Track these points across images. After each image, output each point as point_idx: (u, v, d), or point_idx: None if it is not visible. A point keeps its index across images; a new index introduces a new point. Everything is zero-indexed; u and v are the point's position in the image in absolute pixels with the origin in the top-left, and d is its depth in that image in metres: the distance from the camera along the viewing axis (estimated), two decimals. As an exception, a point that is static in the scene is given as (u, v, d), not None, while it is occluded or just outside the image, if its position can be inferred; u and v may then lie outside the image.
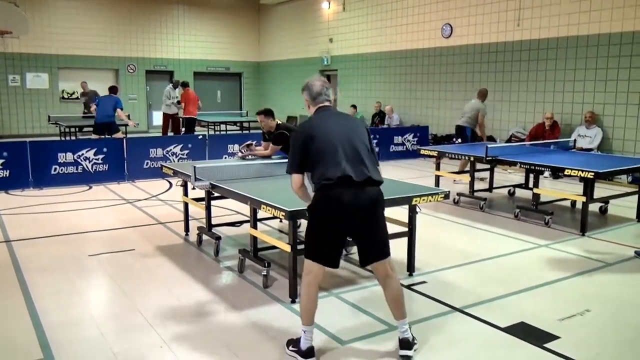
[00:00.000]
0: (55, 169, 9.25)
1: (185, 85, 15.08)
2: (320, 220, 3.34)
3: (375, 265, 3.46)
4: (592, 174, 6.15)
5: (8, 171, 8.87)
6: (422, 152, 8.76)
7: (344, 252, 5.61)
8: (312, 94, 3.50)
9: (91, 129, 13.71)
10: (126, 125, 13.15)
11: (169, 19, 19.79)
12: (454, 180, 9.50)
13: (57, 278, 4.91)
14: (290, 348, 3.49)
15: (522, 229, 6.73)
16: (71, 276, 4.97)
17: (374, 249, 3.41)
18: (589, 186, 6.55)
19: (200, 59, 20.53)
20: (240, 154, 6.78)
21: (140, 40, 19.31)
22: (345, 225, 3.32)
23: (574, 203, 7.92)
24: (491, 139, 11.70)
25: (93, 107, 13.95)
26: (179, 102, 15.13)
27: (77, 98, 17.86)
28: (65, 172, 9.33)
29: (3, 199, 8.31)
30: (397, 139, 13.40)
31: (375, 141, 12.85)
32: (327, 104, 3.53)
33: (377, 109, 15.41)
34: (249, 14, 21.42)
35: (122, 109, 12.01)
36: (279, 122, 6.48)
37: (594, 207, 7.44)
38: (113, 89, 12.24)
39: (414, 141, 13.56)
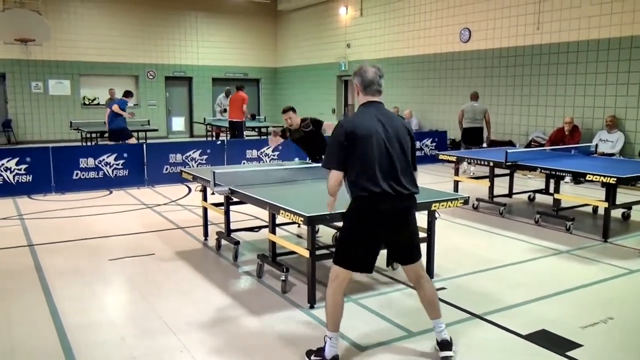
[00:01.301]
0: (77, 174, 9.39)
1: (239, 88, 14.36)
2: (358, 227, 3.32)
3: (408, 267, 3.51)
4: (615, 179, 6.06)
5: (31, 176, 9.02)
6: (440, 157, 8.72)
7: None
8: (364, 81, 3.36)
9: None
10: (129, 117, 12.58)
11: (187, 26, 19.99)
12: (464, 171, 9.60)
13: (78, 282, 4.97)
14: (313, 357, 3.43)
15: (543, 234, 6.65)
16: (92, 280, 5.03)
17: (409, 253, 3.47)
18: (611, 192, 6.45)
19: (219, 65, 20.68)
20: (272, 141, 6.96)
21: (159, 46, 19.53)
22: (382, 232, 3.34)
23: (595, 209, 7.81)
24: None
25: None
26: (225, 110, 15.41)
27: (99, 104, 18.10)
28: (87, 177, 9.46)
29: (26, 203, 8.45)
30: (415, 144, 13.31)
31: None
32: (377, 97, 3.40)
33: (395, 113, 15.35)
34: (266, 20, 21.54)
35: (121, 108, 11.92)
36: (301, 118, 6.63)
37: (616, 213, 7.32)
38: (125, 94, 12.30)
39: (432, 146, 13.49)
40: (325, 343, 3.41)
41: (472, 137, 11.05)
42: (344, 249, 3.38)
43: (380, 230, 3.31)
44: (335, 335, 3.40)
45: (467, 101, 11.82)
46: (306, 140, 6.63)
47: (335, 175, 3.29)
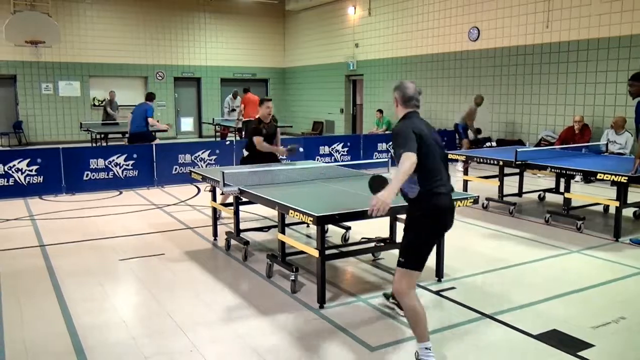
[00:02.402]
0: (87, 174, 9.44)
1: (246, 90, 14.81)
2: (431, 225, 3.39)
3: None
4: (626, 178, 6.01)
5: (42, 177, 9.09)
6: (449, 156, 8.68)
7: (372, 258, 5.60)
8: (404, 96, 3.53)
9: (119, 136, 14.03)
10: (164, 130, 12.72)
11: (195, 27, 20.05)
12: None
13: (89, 282, 5.01)
14: None
15: (553, 234, 6.61)
16: (102, 280, 5.06)
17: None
18: (622, 190, 6.40)
19: (227, 65, 20.73)
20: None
21: (168, 47, 19.60)
22: (444, 229, 3.54)
23: (606, 208, 7.75)
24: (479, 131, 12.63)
25: (117, 116, 14.46)
26: (233, 110, 15.60)
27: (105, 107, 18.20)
28: (97, 177, 9.52)
29: (37, 204, 8.51)
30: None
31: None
32: (416, 109, 3.56)
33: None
34: (275, 20, 21.56)
35: (151, 117, 11.79)
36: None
37: (627, 212, 7.26)
38: (148, 96, 12.09)
39: (441, 145, 13.44)
40: (422, 357, 3.30)
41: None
42: (419, 250, 3.37)
43: (444, 227, 3.49)
44: (430, 344, 3.32)
45: (483, 101, 11.97)
46: (270, 137, 7.15)
47: (411, 155, 3.19)
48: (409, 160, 3.17)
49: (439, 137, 3.57)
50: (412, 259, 3.35)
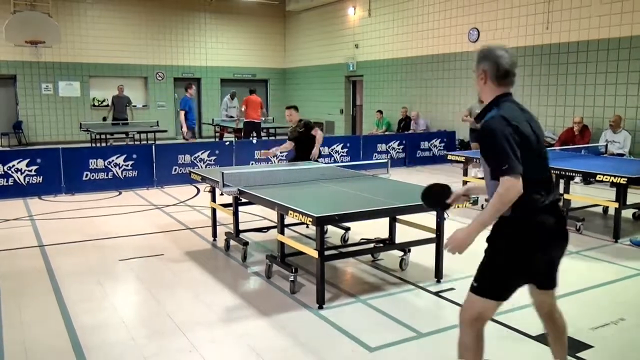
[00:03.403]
0: (87, 175, 9.44)
1: (252, 92, 14.89)
2: (526, 246, 2.57)
3: (545, 293, 2.87)
4: (625, 179, 6.02)
5: (41, 177, 9.09)
6: (449, 157, 8.69)
7: (371, 259, 5.60)
8: (499, 69, 2.60)
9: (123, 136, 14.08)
10: (185, 133, 11.84)
11: (195, 27, 20.06)
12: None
13: (88, 282, 5.00)
14: None
15: (553, 235, 6.60)
16: (102, 280, 5.06)
17: (554, 274, 2.80)
18: (621, 192, 6.40)
19: (227, 66, 20.74)
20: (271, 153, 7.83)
21: (168, 48, 19.61)
22: (548, 250, 2.65)
23: (605, 209, 7.75)
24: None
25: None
26: (231, 114, 15.86)
27: (107, 105, 18.16)
28: (96, 178, 9.52)
29: (36, 204, 8.51)
30: (424, 144, 13.32)
31: (401, 147, 13.03)
32: (511, 89, 2.67)
33: (403, 114, 15.35)
34: (275, 20, 21.57)
35: (183, 110, 11.49)
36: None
37: (626, 213, 7.26)
38: (185, 86, 11.80)
39: (440, 146, 13.46)
40: None
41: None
42: (502, 276, 2.62)
43: (547, 247, 2.64)
44: None
45: (475, 100, 11.83)
46: (298, 141, 7.29)
47: (517, 181, 2.43)
48: (515, 188, 2.42)
49: (539, 125, 2.68)
50: (489, 284, 2.63)
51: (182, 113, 11.51)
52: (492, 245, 2.67)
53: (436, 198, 2.88)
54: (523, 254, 2.57)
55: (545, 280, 2.74)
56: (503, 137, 2.45)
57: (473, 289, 2.66)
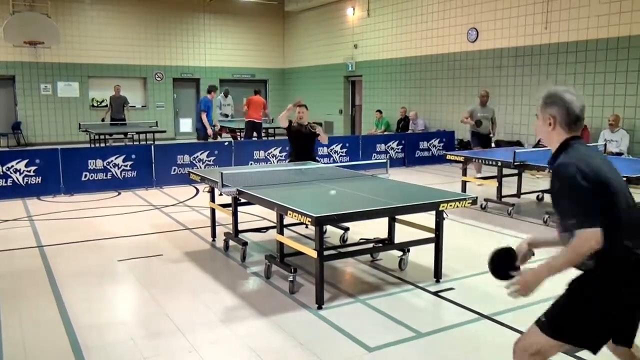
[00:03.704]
0: (86, 175, 9.44)
1: (256, 92, 15.01)
2: (612, 296, 2.33)
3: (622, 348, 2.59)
4: (625, 178, 6.01)
5: (40, 177, 9.08)
6: (448, 157, 8.70)
7: (370, 259, 5.60)
8: (569, 115, 2.44)
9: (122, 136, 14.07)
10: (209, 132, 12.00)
11: (195, 27, 20.06)
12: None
13: (87, 283, 5.00)
14: None
15: (551, 235, 6.60)
16: (101, 281, 5.06)
17: (633, 335, 2.48)
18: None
19: (226, 66, 20.74)
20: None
21: (167, 48, 19.61)
22: (631, 313, 2.40)
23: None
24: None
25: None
26: (225, 114, 15.94)
27: (106, 106, 18.11)
28: (95, 178, 9.51)
29: (35, 204, 8.50)
30: (423, 144, 13.32)
31: (400, 147, 13.02)
32: (579, 132, 2.51)
33: (402, 114, 15.37)
34: (274, 21, 21.57)
35: (203, 111, 11.62)
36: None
37: (626, 212, 7.26)
38: (209, 89, 12.02)
39: (439, 146, 13.46)
40: None
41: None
42: (577, 319, 2.40)
43: (633, 308, 2.38)
44: None
45: (476, 102, 11.75)
46: (305, 139, 7.17)
47: (594, 234, 2.23)
48: (590, 241, 2.23)
49: (612, 165, 2.48)
50: (561, 325, 2.43)
51: (204, 115, 11.67)
52: (573, 290, 2.50)
53: (502, 266, 2.67)
54: (603, 313, 2.35)
55: (621, 337, 2.48)
56: (581, 190, 2.27)
57: (539, 324, 2.49)
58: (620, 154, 9.93)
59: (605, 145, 9.56)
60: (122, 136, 14.41)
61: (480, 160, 8.35)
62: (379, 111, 15.96)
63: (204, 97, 11.94)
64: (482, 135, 10.40)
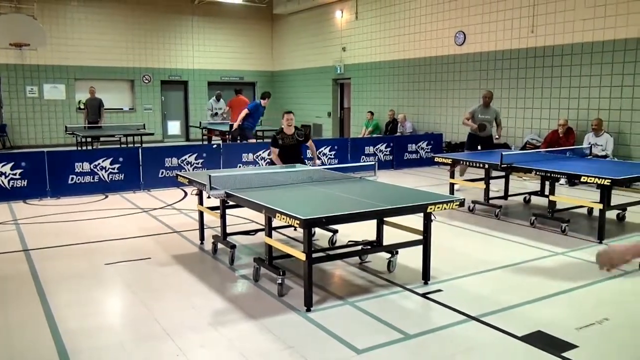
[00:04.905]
0: (72, 178, 9.36)
1: (237, 92, 14.73)
2: None
3: None
4: (609, 180, 6.09)
5: (26, 181, 8.99)
6: (436, 159, 8.75)
7: (359, 261, 5.61)
8: None
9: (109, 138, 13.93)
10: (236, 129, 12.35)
11: (183, 30, 20.00)
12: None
13: (74, 287, 4.96)
14: None
15: (538, 236, 6.67)
16: (88, 285, 5.02)
17: None
18: (605, 193, 6.48)
19: (215, 68, 20.69)
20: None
21: (155, 51, 19.53)
22: None
23: (590, 210, 7.84)
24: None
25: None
26: (215, 114, 15.84)
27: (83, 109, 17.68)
28: (82, 181, 9.44)
29: (21, 208, 8.42)
30: (411, 147, 13.38)
31: (388, 149, 13.05)
32: None
33: (390, 117, 15.42)
34: (263, 23, 21.56)
35: (247, 110, 11.86)
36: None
37: (611, 214, 7.35)
38: (262, 95, 12.39)
39: (427, 149, 13.53)
40: None
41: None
42: None
43: None
44: None
45: (469, 105, 11.74)
46: (294, 148, 7.41)
47: None
48: None
49: None
50: None
51: (245, 111, 11.85)
52: None
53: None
54: None
55: None
56: None
57: None
58: (605, 156, 10.04)
59: (591, 148, 9.66)
60: (109, 139, 14.29)
61: (467, 163, 8.42)
62: (371, 112, 16.02)
63: (253, 102, 12.09)
64: (481, 138, 10.06)
